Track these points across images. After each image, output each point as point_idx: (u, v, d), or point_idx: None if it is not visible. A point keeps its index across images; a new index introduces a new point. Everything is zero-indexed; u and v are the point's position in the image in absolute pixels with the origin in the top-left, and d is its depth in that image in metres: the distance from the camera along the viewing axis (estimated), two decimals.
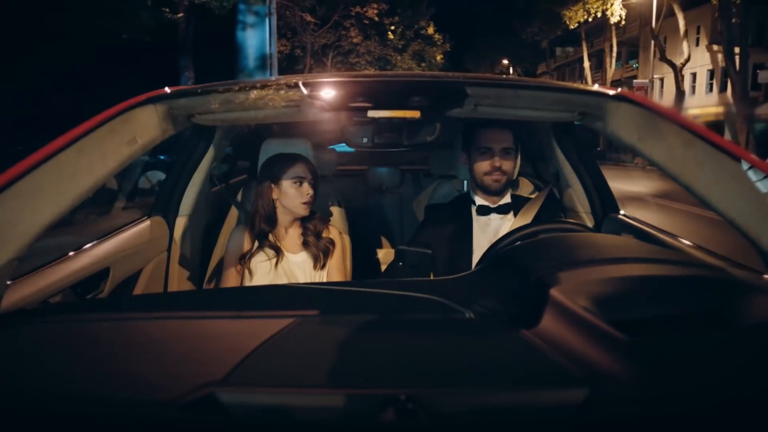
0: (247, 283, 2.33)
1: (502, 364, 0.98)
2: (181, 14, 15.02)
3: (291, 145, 2.56)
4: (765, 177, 1.33)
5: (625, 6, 30.12)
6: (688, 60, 29.08)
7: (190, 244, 2.71)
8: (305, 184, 2.33)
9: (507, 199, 2.54)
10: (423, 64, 37.49)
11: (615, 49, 39.72)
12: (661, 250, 1.74)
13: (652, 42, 31.21)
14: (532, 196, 2.65)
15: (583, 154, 2.80)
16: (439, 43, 38.56)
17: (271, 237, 2.38)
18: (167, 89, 1.77)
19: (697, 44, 34.90)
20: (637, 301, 1.12)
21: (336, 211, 2.94)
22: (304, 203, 2.33)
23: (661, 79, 38.51)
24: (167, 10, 14.34)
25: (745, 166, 1.38)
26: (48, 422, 0.83)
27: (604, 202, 2.71)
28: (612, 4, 29.86)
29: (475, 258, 2.40)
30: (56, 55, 15.04)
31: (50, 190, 1.35)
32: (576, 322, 1.00)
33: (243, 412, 0.83)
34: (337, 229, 2.56)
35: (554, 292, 1.09)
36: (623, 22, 31.71)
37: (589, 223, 2.68)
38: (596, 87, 1.91)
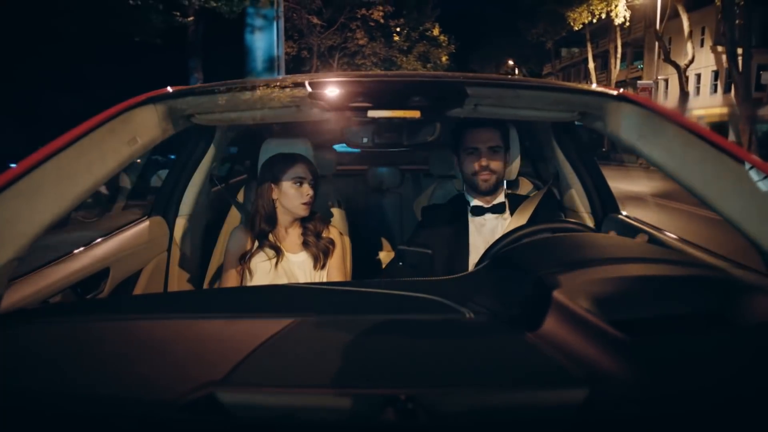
0: (247, 283, 2.33)
1: (502, 364, 0.98)
2: (191, 18, 15.22)
3: (291, 145, 2.56)
4: (765, 177, 1.33)
5: (629, 7, 30.09)
6: (692, 61, 29.09)
7: (190, 244, 2.72)
8: (305, 185, 2.33)
9: (501, 198, 2.53)
10: (428, 65, 37.60)
11: (619, 50, 39.75)
12: (661, 250, 1.73)
13: (657, 43, 31.14)
14: (531, 195, 2.65)
15: (583, 154, 2.80)
16: (444, 44, 38.63)
17: (271, 237, 2.38)
18: (169, 89, 1.77)
19: (702, 45, 34.95)
20: (637, 301, 1.12)
21: (336, 211, 2.94)
22: (304, 204, 2.33)
23: (666, 80, 38.56)
24: (178, 13, 14.53)
25: (745, 166, 1.38)
26: (48, 422, 0.83)
27: (604, 202, 2.72)
28: (616, 6, 29.84)
29: (472, 258, 2.40)
30: (67, 57, 15.26)
31: (50, 190, 1.35)
32: (576, 322, 1.00)
33: (243, 412, 0.83)
34: (337, 229, 2.56)
35: (554, 292, 1.09)
36: (627, 24, 31.66)
37: (590, 223, 2.68)
38: (594, 86, 1.91)
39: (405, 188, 4.08)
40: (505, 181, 2.88)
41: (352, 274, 2.72)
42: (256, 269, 2.33)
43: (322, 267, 2.42)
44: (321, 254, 2.40)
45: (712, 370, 0.92)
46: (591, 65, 42.68)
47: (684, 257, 1.76)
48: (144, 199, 10.26)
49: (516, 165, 2.71)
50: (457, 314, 1.17)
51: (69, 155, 1.39)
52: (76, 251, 1.94)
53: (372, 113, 1.96)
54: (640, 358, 0.92)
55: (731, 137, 24.92)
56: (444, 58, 40.05)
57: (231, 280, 2.34)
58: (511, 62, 58.75)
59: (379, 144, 3.46)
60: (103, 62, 15.63)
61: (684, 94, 30.39)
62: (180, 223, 2.66)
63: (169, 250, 2.59)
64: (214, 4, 14.52)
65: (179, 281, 2.61)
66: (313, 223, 2.44)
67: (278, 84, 1.82)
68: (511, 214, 2.48)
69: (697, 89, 36.91)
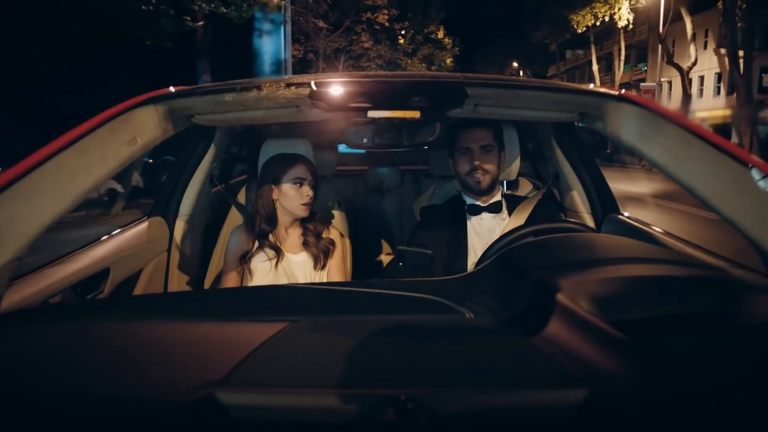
0: (247, 284, 2.33)
1: (501, 364, 0.98)
2: (201, 22, 15.57)
3: (291, 146, 2.56)
4: (765, 177, 1.32)
5: (632, 10, 30.08)
6: (695, 64, 29.14)
7: (190, 244, 2.72)
8: (305, 186, 2.33)
9: (498, 197, 2.53)
10: (433, 68, 37.78)
11: (623, 52, 39.76)
12: (662, 250, 1.73)
13: (660, 45, 31.13)
14: (530, 196, 2.65)
15: (583, 154, 2.80)
16: (448, 47, 38.82)
17: (271, 237, 2.38)
18: (172, 89, 1.77)
19: (705, 47, 35.12)
20: (637, 301, 1.12)
21: (336, 212, 2.94)
22: (304, 204, 2.33)
23: (669, 82, 38.69)
24: (188, 18, 14.81)
25: (745, 166, 1.37)
26: (48, 422, 0.83)
27: (604, 203, 2.72)
28: (619, 9, 29.84)
29: (470, 258, 2.40)
30: (80, 60, 15.62)
31: (50, 190, 1.35)
32: (576, 323, 1.00)
33: (243, 412, 0.83)
34: (337, 230, 2.56)
35: (554, 292, 1.09)
36: (631, 26, 31.69)
37: (590, 224, 2.68)
38: (592, 86, 1.91)
39: (405, 188, 4.08)
40: (505, 182, 2.88)
41: (352, 274, 2.72)
42: (256, 269, 2.32)
43: (322, 267, 2.42)
44: (321, 255, 2.40)
45: (712, 370, 0.92)
46: (595, 67, 42.70)
47: (684, 257, 1.76)
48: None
49: (516, 165, 2.71)
50: (457, 314, 1.17)
51: (69, 155, 1.39)
52: (76, 251, 1.94)
53: (372, 113, 1.96)
54: (640, 358, 0.92)
55: (734, 138, 24.93)
56: (448, 61, 40.31)
57: (231, 280, 2.34)
58: (515, 64, 58.79)
59: (378, 144, 3.45)
60: (114, 64, 15.96)
61: (686, 96, 30.43)
62: (180, 224, 2.67)
63: (169, 250, 2.59)
64: (224, 11, 14.80)
65: (179, 281, 2.61)
66: (313, 223, 2.44)
67: (278, 84, 1.82)
68: (510, 214, 2.48)
69: (701, 91, 37.08)
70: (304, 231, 2.43)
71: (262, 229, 2.35)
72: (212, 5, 14.51)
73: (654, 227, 2.27)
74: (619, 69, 40.19)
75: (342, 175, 4.07)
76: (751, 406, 0.84)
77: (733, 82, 24.84)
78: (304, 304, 1.34)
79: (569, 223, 2.07)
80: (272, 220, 2.37)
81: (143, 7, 13.03)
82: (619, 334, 0.94)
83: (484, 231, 2.47)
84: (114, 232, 2.24)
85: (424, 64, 37.84)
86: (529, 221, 2.34)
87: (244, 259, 2.33)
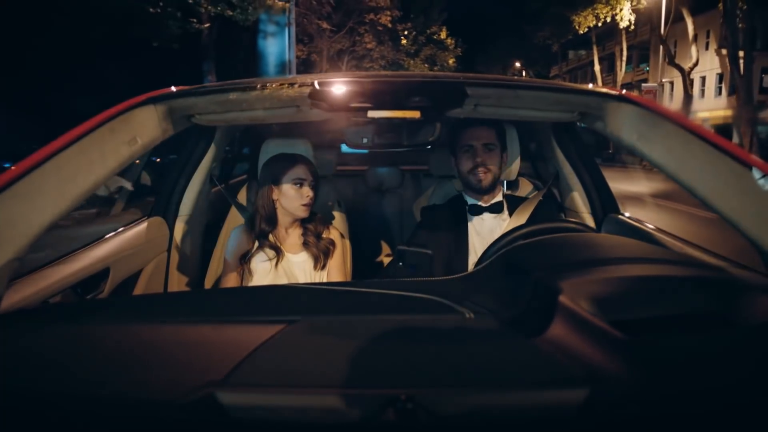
0: (247, 284, 2.33)
1: (501, 364, 0.98)
2: (207, 24, 15.89)
3: (291, 146, 2.56)
4: (765, 176, 1.32)
5: (634, 11, 30.04)
6: (696, 64, 29.14)
7: (190, 244, 2.72)
8: (305, 187, 2.33)
9: (499, 197, 2.53)
10: (435, 68, 37.80)
11: (625, 53, 39.80)
12: (662, 250, 1.73)
13: (661, 46, 31.10)
14: (530, 196, 2.65)
15: (583, 154, 2.79)
16: (451, 47, 38.88)
17: (271, 237, 2.38)
18: (173, 88, 1.77)
19: (707, 48, 35.17)
20: (637, 301, 1.12)
21: (336, 212, 2.93)
22: (304, 205, 2.33)
23: (671, 83, 38.70)
24: (194, 20, 15.16)
25: (744, 166, 1.37)
26: (48, 422, 0.83)
27: (604, 202, 2.71)
28: (621, 10, 29.81)
29: (471, 258, 2.40)
30: (86, 61, 15.87)
31: (50, 190, 1.35)
32: (576, 323, 1.00)
33: (243, 412, 0.83)
34: (337, 230, 2.56)
35: (554, 292, 1.09)
36: (633, 27, 31.67)
37: (590, 224, 2.68)
38: (590, 86, 1.91)
39: (405, 188, 4.08)
40: (505, 182, 2.88)
41: (352, 274, 2.71)
42: (256, 269, 2.32)
43: (323, 267, 2.42)
44: (321, 255, 2.40)
45: (712, 370, 0.92)
46: (597, 68, 42.69)
47: (684, 257, 1.76)
48: None
49: (516, 165, 2.71)
50: (457, 314, 1.17)
51: (69, 155, 1.39)
52: (76, 251, 1.94)
53: (372, 113, 1.96)
54: (640, 358, 0.92)
55: (735, 139, 24.96)
56: (451, 61, 40.35)
57: (231, 280, 2.34)
58: (518, 64, 58.76)
59: (379, 144, 3.44)
60: (122, 66, 16.14)
61: (688, 97, 30.48)
62: (180, 224, 2.67)
63: (169, 250, 2.59)
64: (230, 14, 15.21)
65: (179, 281, 2.61)
66: (313, 223, 2.44)
67: (278, 84, 1.81)
68: (510, 214, 2.48)
69: (702, 92, 37.21)
70: (304, 231, 2.43)
71: (262, 229, 2.35)
72: (218, 8, 14.90)
73: (654, 227, 2.27)
74: (621, 69, 40.21)
75: (342, 175, 4.07)
76: (752, 406, 0.84)
77: (734, 82, 24.83)
78: (304, 304, 1.33)
79: (569, 222, 2.07)
80: (272, 220, 2.37)
81: (151, 9, 13.41)
82: (619, 334, 0.94)
83: (485, 231, 2.46)
84: (114, 232, 2.24)
85: (426, 65, 37.98)
86: (530, 222, 2.33)
87: (244, 259, 2.33)
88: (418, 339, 1.07)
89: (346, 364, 0.93)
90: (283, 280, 2.33)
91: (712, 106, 35.19)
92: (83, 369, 0.96)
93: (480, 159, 2.41)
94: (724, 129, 29.19)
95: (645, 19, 35.47)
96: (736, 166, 1.38)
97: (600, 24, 31.98)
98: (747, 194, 1.37)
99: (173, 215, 2.65)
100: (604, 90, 1.85)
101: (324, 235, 2.45)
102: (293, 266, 2.37)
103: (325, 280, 2.42)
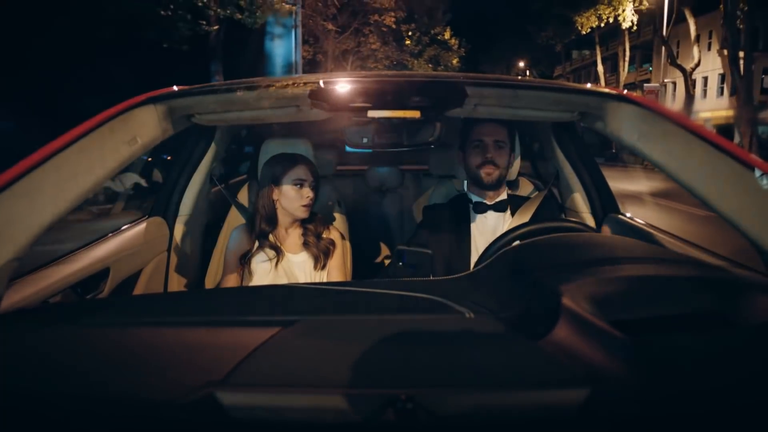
0: (247, 284, 2.33)
1: (502, 364, 0.97)
2: (216, 27, 16.17)
3: (292, 146, 2.57)
4: (764, 176, 1.32)
5: (637, 11, 30.05)
6: (698, 65, 29.33)
7: (190, 244, 2.72)
8: (305, 187, 2.33)
9: (503, 196, 2.54)
10: (439, 68, 37.85)
11: (628, 53, 39.82)
12: (662, 250, 1.73)
13: (663, 47, 31.09)
14: (532, 196, 2.65)
15: (583, 154, 2.79)
16: (454, 47, 38.93)
17: (271, 237, 2.38)
18: (175, 88, 1.77)
19: (709, 49, 35.30)
20: (637, 301, 1.11)
21: (336, 212, 2.93)
22: (304, 206, 2.33)
23: (674, 83, 38.83)
24: (203, 22, 15.43)
25: (744, 166, 1.37)
26: (48, 422, 0.83)
27: (604, 202, 2.71)
28: (623, 10, 29.82)
29: (473, 257, 2.40)
30: (96, 61, 16.08)
31: (50, 190, 1.35)
32: (577, 322, 1.00)
33: (243, 412, 0.82)
34: (337, 230, 2.56)
35: (554, 292, 1.09)
36: (635, 28, 31.73)
37: (590, 223, 2.68)
38: (589, 86, 1.91)
39: (405, 188, 4.07)
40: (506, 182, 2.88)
41: (352, 274, 2.71)
42: (257, 269, 2.32)
43: (323, 267, 2.42)
44: (321, 255, 2.40)
45: (712, 370, 0.92)
46: (600, 68, 42.69)
47: (684, 257, 1.76)
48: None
49: (516, 165, 2.71)
50: (457, 314, 1.16)
51: (69, 155, 1.39)
52: (76, 251, 1.94)
53: (372, 113, 1.96)
54: (640, 358, 0.91)
55: (736, 139, 25.00)
56: (455, 61, 40.36)
57: (231, 280, 2.34)
58: (522, 64, 58.68)
59: (379, 144, 3.45)
60: (130, 66, 16.38)
61: (689, 97, 30.62)
62: (180, 224, 2.67)
63: (169, 250, 2.59)
64: (239, 17, 15.65)
65: (179, 281, 2.61)
66: (313, 223, 2.44)
67: (278, 84, 1.81)
68: (513, 214, 2.48)
69: (704, 92, 37.38)
70: (304, 231, 2.42)
71: (262, 229, 2.35)
72: (228, 11, 15.31)
73: (654, 227, 2.26)
74: (623, 69, 40.19)
75: (342, 175, 4.06)
76: (752, 407, 0.83)
77: (734, 83, 24.87)
78: (304, 304, 1.33)
79: (569, 222, 2.07)
80: (272, 220, 2.37)
81: (162, 12, 13.79)
82: (620, 334, 0.94)
83: (487, 230, 2.47)
84: (114, 232, 2.24)
85: (430, 65, 38.05)
86: (533, 221, 2.34)
87: (245, 259, 2.33)
88: (418, 339, 1.07)
89: (346, 364, 0.93)
90: (283, 280, 2.32)
91: (714, 107, 35.26)
92: (83, 369, 0.96)
93: (490, 155, 2.42)
94: (726, 129, 29.34)
95: (648, 19, 35.44)
96: (736, 166, 1.38)
97: (602, 25, 32.01)
98: (747, 194, 1.38)
99: (173, 215, 2.65)
100: (604, 89, 1.84)
101: (324, 235, 2.45)
102: (293, 266, 2.37)
103: (325, 280, 2.42)
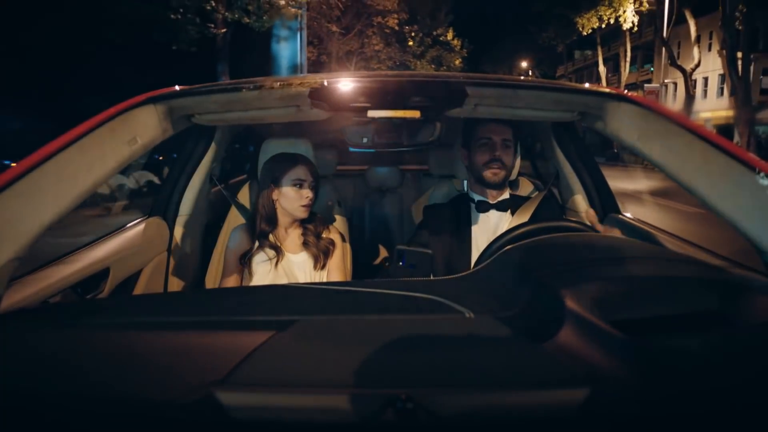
0: (247, 283, 2.33)
1: (501, 363, 0.97)
2: (224, 30, 16.67)
3: (291, 146, 2.57)
4: (764, 176, 1.32)
5: (638, 12, 30.11)
6: (698, 65, 29.56)
7: (190, 244, 2.72)
8: (305, 187, 2.33)
9: (506, 195, 2.53)
10: (442, 68, 38.01)
11: (629, 53, 39.97)
12: (662, 249, 1.73)
13: (663, 48, 31.14)
14: (532, 196, 2.65)
15: (583, 153, 2.79)
16: (457, 48, 39.07)
17: (271, 237, 2.38)
18: (177, 87, 1.77)
19: (710, 49, 35.44)
20: (637, 301, 1.11)
21: (336, 211, 2.93)
22: (303, 206, 2.33)
23: (675, 83, 38.93)
24: (212, 25, 16.06)
25: (744, 166, 1.37)
26: (48, 422, 0.83)
27: (604, 202, 2.71)
28: (624, 11, 29.90)
29: (474, 257, 2.39)
30: (106, 62, 16.77)
31: (50, 190, 1.35)
32: (576, 322, 1.00)
33: (243, 412, 0.82)
34: (337, 230, 2.56)
35: (555, 292, 1.09)
36: (636, 29, 31.84)
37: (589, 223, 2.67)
38: (587, 85, 1.90)
39: (405, 188, 4.07)
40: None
41: (352, 274, 2.71)
42: (256, 269, 2.32)
43: (322, 267, 2.42)
44: (321, 254, 2.40)
45: (712, 370, 0.92)
46: (601, 68, 42.78)
47: (684, 257, 1.75)
48: None
49: (516, 165, 2.70)
50: (457, 314, 1.16)
51: (69, 155, 1.39)
52: (76, 251, 1.94)
53: (372, 113, 1.96)
54: (640, 358, 0.91)
55: (735, 138, 25.14)
56: (457, 62, 40.48)
57: (231, 280, 2.33)
58: (524, 65, 58.69)
59: (378, 144, 3.44)
60: (138, 67, 16.82)
61: (689, 97, 30.85)
62: (180, 223, 2.67)
63: (169, 250, 2.59)
64: (247, 21, 16.25)
65: (179, 281, 2.61)
66: (313, 223, 2.44)
67: (278, 84, 1.81)
68: (512, 214, 2.47)
69: (705, 92, 37.60)
70: (304, 231, 2.42)
71: (262, 229, 2.35)
72: (236, 15, 15.93)
73: (654, 227, 2.26)
74: (624, 70, 40.26)
75: (342, 175, 4.06)
76: (752, 407, 0.83)
77: (733, 84, 24.98)
78: (303, 304, 1.33)
79: (569, 222, 2.06)
80: (272, 220, 2.37)
81: (172, 15, 14.53)
82: (620, 334, 0.94)
83: (489, 229, 2.47)
84: (114, 232, 2.24)
85: (433, 66, 38.21)
86: (533, 221, 2.34)
87: (245, 258, 2.33)
88: (418, 339, 1.07)
89: (346, 364, 0.93)
90: (283, 280, 2.32)
91: (714, 107, 35.45)
92: (83, 369, 0.96)
93: (498, 153, 2.41)
94: (725, 129, 29.53)
95: (649, 20, 35.50)
96: (737, 166, 1.38)
97: (603, 26, 32.08)
98: (747, 194, 1.38)
99: (173, 215, 2.65)
100: (604, 89, 1.84)
101: (324, 235, 2.45)
102: (293, 266, 2.37)
103: (325, 280, 2.41)
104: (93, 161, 1.47)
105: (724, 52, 23.94)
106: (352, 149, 4.17)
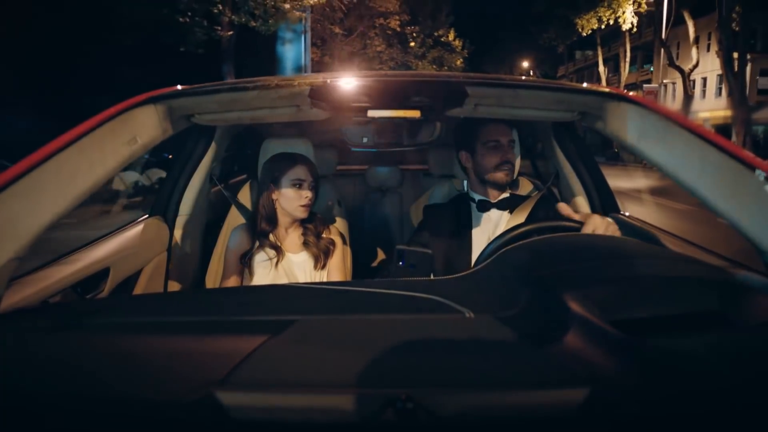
0: (247, 283, 2.33)
1: (501, 363, 0.97)
2: (230, 32, 17.11)
3: (291, 145, 2.56)
4: (764, 176, 1.32)
5: (637, 13, 30.19)
6: (696, 66, 29.76)
7: (190, 243, 2.72)
8: (305, 187, 2.33)
9: (506, 194, 2.53)
10: (443, 68, 38.14)
11: (629, 54, 40.18)
12: (662, 249, 1.72)
13: (662, 48, 31.21)
14: (532, 195, 2.63)
15: (583, 153, 2.79)
16: (458, 49, 39.23)
17: (271, 237, 2.38)
18: (179, 87, 1.77)
19: (708, 50, 35.63)
20: (637, 301, 1.11)
21: (336, 211, 2.93)
22: (303, 206, 2.33)
23: (674, 84, 39.14)
24: (219, 28, 16.51)
25: (744, 166, 1.37)
26: (48, 422, 0.83)
27: (604, 202, 2.71)
28: (623, 13, 29.99)
29: (475, 256, 2.39)
30: (110, 62, 17.01)
31: (50, 190, 1.34)
32: (577, 322, 1.00)
33: (243, 412, 0.82)
34: (337, 229, 2.56)
35: (555, 292, 1.09)
36: (635, 29, 32.00)
37: None
38: (585, 85, 1.90)
39: (405, 188, 4.07)
40: None
41: (352, 274, 2.71)
42: (257, 269, 2.32)
43: (323, 267, 2.42)
44: (321, 254, 2.40)
45: (712, 370, 0.92)
46: (601, 69, 42.95)
47: (684, 257, 1.75)
48: None
49: (516, 165, 2.69)
50: (457, 314, 1.16)
51: (69, 155, 1.39)
52: (76, 251, 1.94)
53: (372, 113, 1.96)
54: (640, 358, 0.91)
55: (733, 138, 25.27)
56: (458, 62, 40.57)
57: (231, 279, 2.33)
58: (525, 65, 58.72)
59: (379, 144, 3.44)
60: (145, 68, 16.92)
61: (688, 97, 31.11)
62: (180, 223, 2.66)
63: (169, 250, 2.58)
64: (254, 24, 16.73)
65: (179, 281, 2.61)
66: (313, 223, 2.44)
67: (278, 84, 1.80)
68: (511, 213, 2.47)
69: (703, 92, 37.89)
70: (304, 231, 2.43)
71: (262, 228, 2.35)
72: (243, 19, 16.44)
73: (654, 227, 2.26)
74: (624, 70, 40.38)
75: (342, 175, 4.06)
76: (752, 407, 0.83)
77: (729, 84, 25.08)
78: (303, 303, 1.32)
79: (569, 221, 2.06)
80: (272, 220, 2.37)
81: (180, 18, 15.04)
82: (620, 334, 0.94)
83: (488, 228, 2.46)
84: (113, 232, 2.24)
85: (434, 66, 38.33)
86: (529, 220, 2.34)
87: (245, 258, 2.33)
88: (418, 339, 1.07)
89: (346, 364, 0.93)
90: (283, 280, 2.32)
91: (712, 107, 35.69)
92: (83, 369, 0.96)
93: (509, 155, 2.42)
94: (724, 129, 29.64)
95: (649, 20, 35.64)
96: (736, 165, 1.38)
97: (603, 27, 32.17)
98: (747, 194, 1.37)
99: (173, 215, 2.65)
100: (604, 89, 1.84)
101: (324, 235, 2.45)
102: (293, 266, 2.37)
103: (325, 280, 2.41)
104: (93, 161, 1.47)
105: (722, 52, 24.06)
106: (352, 149, 4.17)
